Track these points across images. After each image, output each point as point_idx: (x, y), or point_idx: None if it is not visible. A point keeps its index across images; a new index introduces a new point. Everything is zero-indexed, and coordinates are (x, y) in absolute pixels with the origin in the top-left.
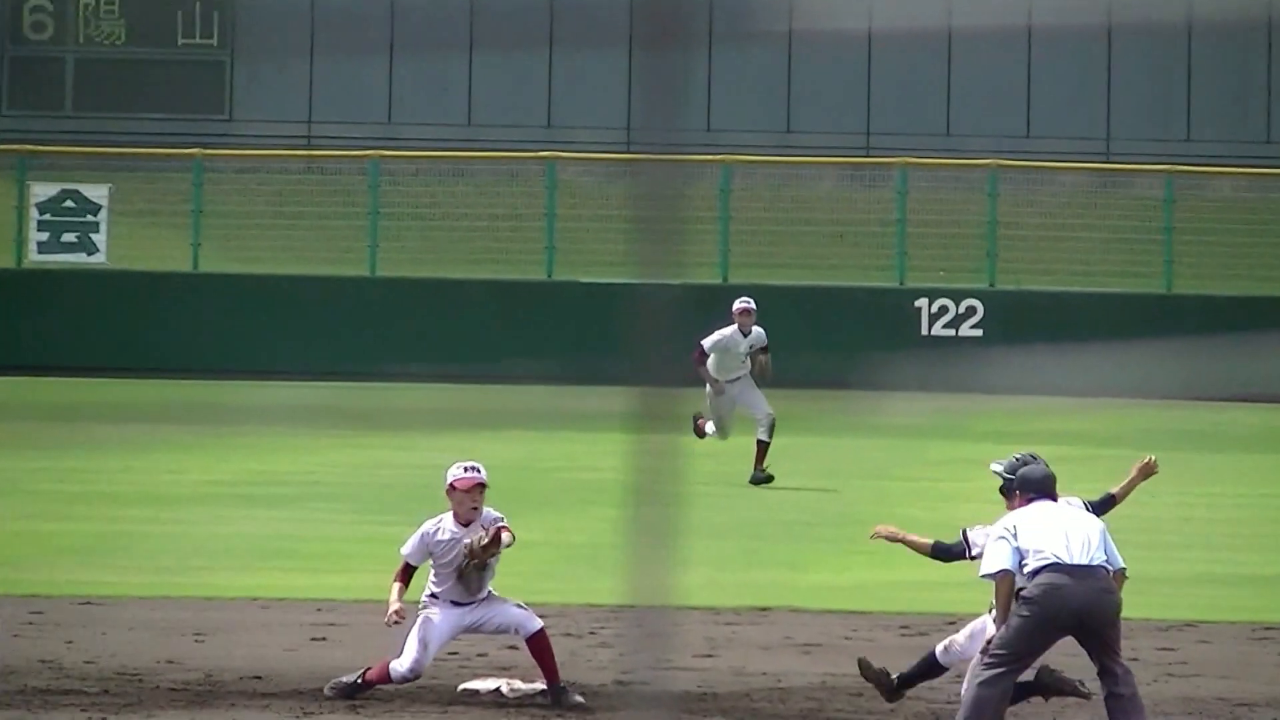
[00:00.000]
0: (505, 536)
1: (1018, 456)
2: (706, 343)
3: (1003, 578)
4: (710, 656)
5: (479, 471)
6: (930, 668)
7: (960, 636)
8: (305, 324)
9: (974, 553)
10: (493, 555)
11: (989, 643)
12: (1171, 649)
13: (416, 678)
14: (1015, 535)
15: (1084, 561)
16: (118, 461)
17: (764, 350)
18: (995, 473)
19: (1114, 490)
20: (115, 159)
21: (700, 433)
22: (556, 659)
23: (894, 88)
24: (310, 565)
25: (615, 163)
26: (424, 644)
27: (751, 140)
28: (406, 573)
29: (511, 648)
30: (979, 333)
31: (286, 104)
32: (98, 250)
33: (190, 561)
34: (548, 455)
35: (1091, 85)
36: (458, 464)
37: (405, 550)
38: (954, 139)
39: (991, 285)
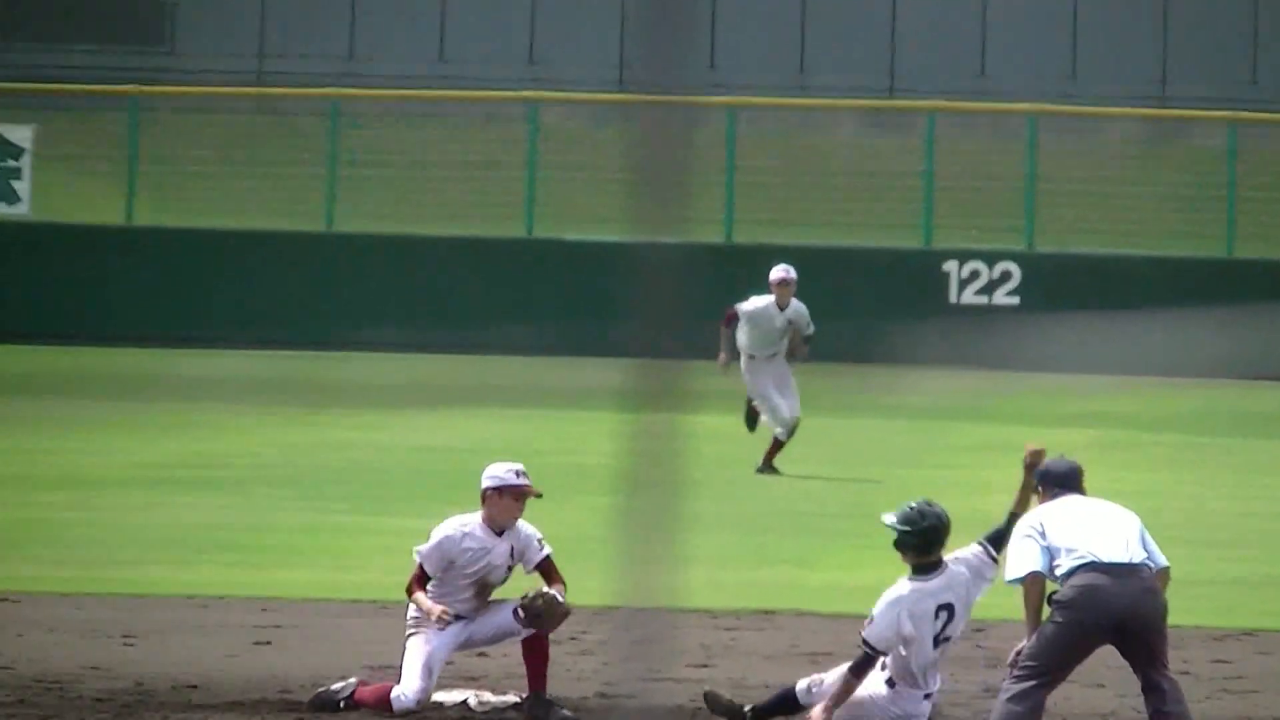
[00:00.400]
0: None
1: (913, 505)
2: (743, 307)
3: (1032, 581)
4: (706, 666)
5: (527, 476)
6: (786, 703)
7: (829, 677)
8: (253, 286)
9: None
10: (550, 622)
11: (1018, 654)
12: (1227, 661)
13: (421, 708)
14: (1043, 533)
15: (1124, 560)
16: (36, 440)
17: (807, 339)
18: (889, 526)
19: (1013, 508)
20: (39, 96)
21: (753, 420)
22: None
23: (922, 22)
24: (254, 559)
25: (606, 104)
26: (428, 669)
27: (761, 80)
28: (424, 581)
29: (480, 654)
30: (1015, 300)
31: (235, 35)
32: (19, 199)
33: (119, 554)
34: (528, 436)
35: (1144, 20)
36: (502, 465)
37: (423, 555)
38: (989, 80)
39: (1029, 247)
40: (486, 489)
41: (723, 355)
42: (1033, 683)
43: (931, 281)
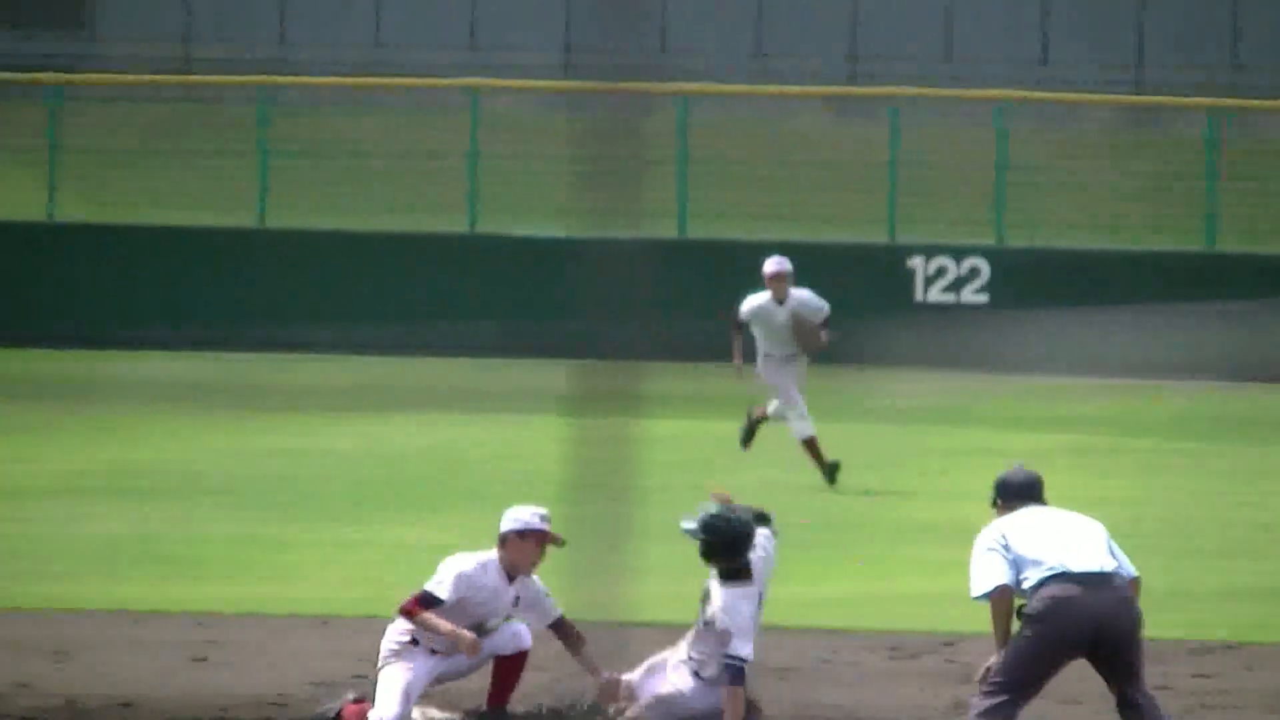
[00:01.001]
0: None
1: (713, 512)
2: (742, 309)
3: (999, 595)
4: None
5: (549, 522)
6: None
7: (635, 675)
8: (182, 284)
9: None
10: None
11: (988, 669)
12: (1208, 675)
13: None
14: (1006, 546)
15: (1096, 569)
16: None
17: (824, 325)
18: (687, 531)
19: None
20: None
21: (753, 428)
22: (481, 682)
23: (885, 2)
24: (189, 572)
25: (552, 92)
26: (406, 696)
27: (716, 63)
28: (426, 608)
29: None
30: (984, 298)
31: (158, 18)
32: None
33: (47, 567)
34: (472, 442)
35: (1120, 1)
36: (526, 508)
37: (439, 589)
38: (957, 64)
39: (1000, 242)
40: (509, 532)
41: (736, 361)
42: (1003, 698)
43: (896, 278)
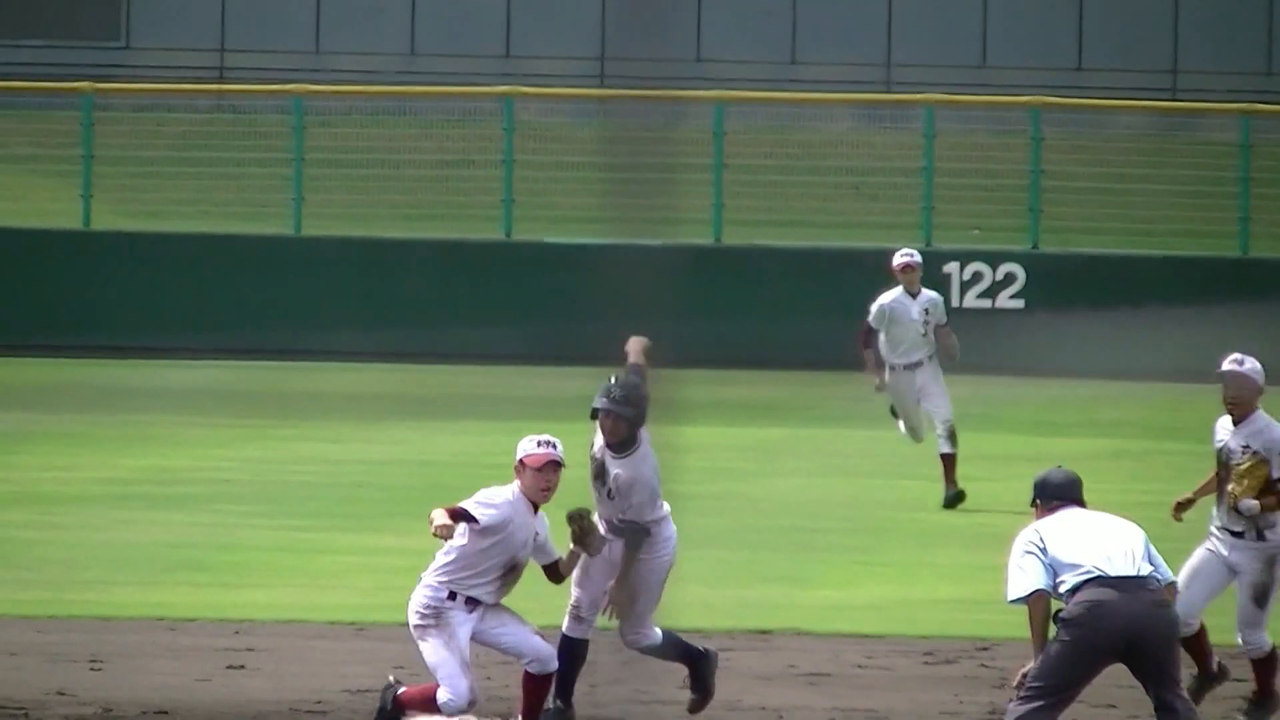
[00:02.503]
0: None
1: (625, 384)
2: (871, 311)
3: (1036, 599)
4: None
5: (555, 447)
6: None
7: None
8: (216, 292)
9: None
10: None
11: (1025, 674)
12: (1243, 680)
13: (474, 705)
14: (1044, 549)
15: (1130, 573)
16: None
17: (945, 325)
18: (608, 409)
19: None
20: None
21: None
22: (518, 689)
23: (919, 10)
24: (224, 579)
25: (586, 99)
26: (465, 665)
27: (750, 73)
28: (457, 520)
29: None
30: (1019, 303)
31: (193, 28)
32: None
33: (82, 575)
34: (506, 450)
35: (1153, 8)
36: (535, 437)
37: (476, 509)
38: (990, 71)
39: (1034, 247)
40: (519, 461)
41: (871, 372)
42: (1040, 703)
43: (932, 284)
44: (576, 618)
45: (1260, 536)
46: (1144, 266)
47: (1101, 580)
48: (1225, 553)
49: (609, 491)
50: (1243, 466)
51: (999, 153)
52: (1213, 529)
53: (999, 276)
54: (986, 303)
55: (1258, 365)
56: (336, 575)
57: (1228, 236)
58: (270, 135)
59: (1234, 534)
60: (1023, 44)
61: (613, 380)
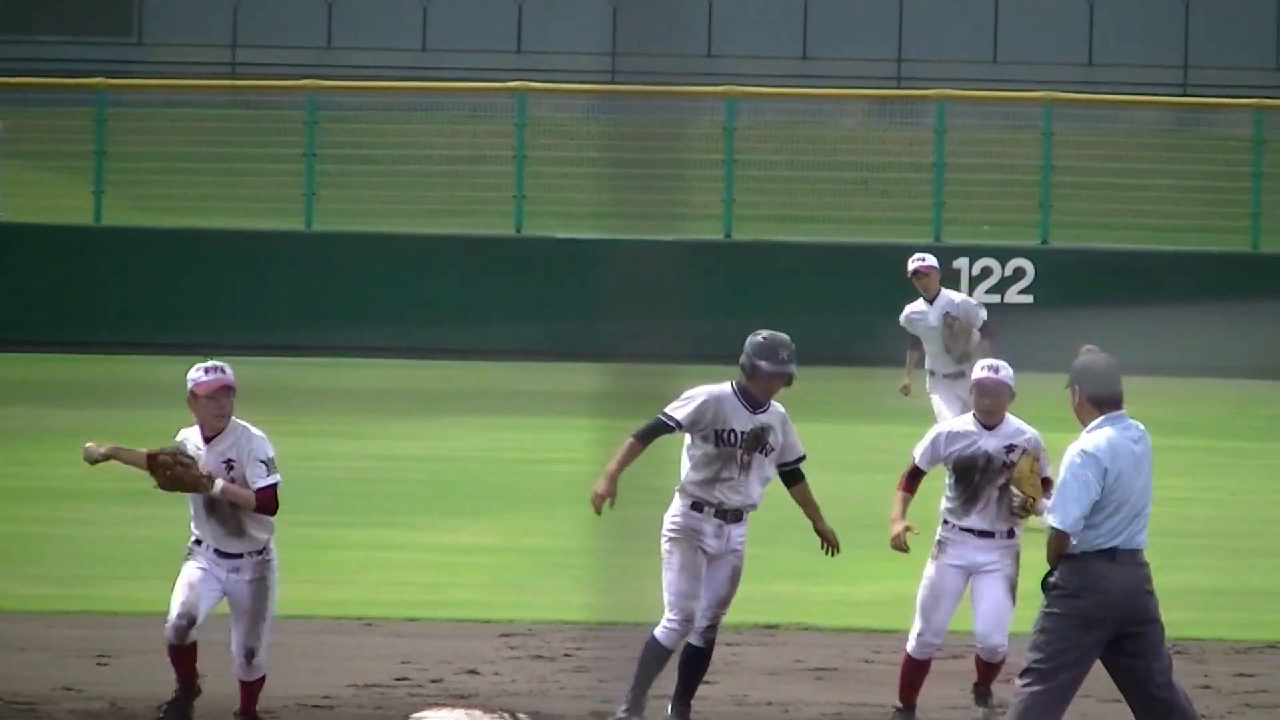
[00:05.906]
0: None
1: (764, 335)
2: (901, 320)
3: (1063, 538)
4: (707, 683)
5: (224, 372)
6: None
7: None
8: (228, 287)
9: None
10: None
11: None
12: (1250, 674)
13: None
14: (1104, 486)
15: (1137, 545)
16: (4, 452)
17: (985, 332)
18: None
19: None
20: (2, 90)
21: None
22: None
23: (931, 6)
24: None
25: (597, 95)
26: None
27: (761, 68)
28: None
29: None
30: (1029, 299)
31: (206, 24)
32: None
33: (92, 570)
34: (516, 444)
35: (1166, 2)
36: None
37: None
38: (1001, 67)
39: (1044, 242)
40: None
41: (905, 381)
42: (1041, 688)
43: (942, 279)
44: (684, 626)
45: (1011, 534)
46: (1155, 262)
47: (1113, 552)
48: (971, 558)
49: (768, 447)
50: (1023, 467)
51: (1010, 148)
52: (946, 535)
53: (1008, 272)
54: (996, 298)
55: (1011, 371)
56: (346, 571)
57: (1239, 232)
58: (282, 131)
59: (982, 534)
60: (1034, 39)
61: (761, 338)
